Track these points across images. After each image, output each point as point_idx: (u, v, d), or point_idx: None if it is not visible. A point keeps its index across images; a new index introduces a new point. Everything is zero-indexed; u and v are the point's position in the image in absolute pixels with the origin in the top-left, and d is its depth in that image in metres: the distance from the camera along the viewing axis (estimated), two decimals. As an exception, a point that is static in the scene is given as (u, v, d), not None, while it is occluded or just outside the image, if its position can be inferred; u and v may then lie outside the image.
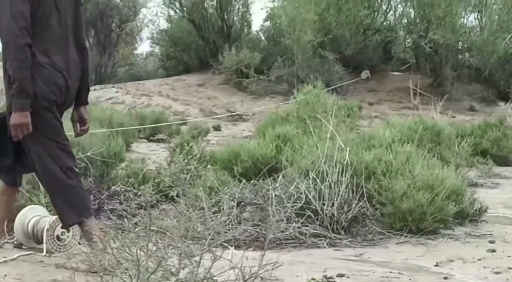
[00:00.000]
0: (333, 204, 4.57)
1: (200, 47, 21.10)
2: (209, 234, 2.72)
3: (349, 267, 3.78)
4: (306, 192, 4.61)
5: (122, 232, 2.70)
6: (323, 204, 4.56)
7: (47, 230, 3.81)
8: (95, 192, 4.92)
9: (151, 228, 2.68)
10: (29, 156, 3.65)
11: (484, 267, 3.84)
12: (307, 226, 4.46)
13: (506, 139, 9.32)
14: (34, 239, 3.94)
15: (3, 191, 3.92)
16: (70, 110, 3.85)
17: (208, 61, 20.23)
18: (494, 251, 4.22)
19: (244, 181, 4.98)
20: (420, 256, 4.14)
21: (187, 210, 2.75)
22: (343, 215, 4.55)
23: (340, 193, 4.61)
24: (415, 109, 14.78)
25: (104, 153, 5.30)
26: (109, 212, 4.75)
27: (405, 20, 19.36)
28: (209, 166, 5.62)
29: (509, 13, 17.52)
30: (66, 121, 3.80)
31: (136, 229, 2.69)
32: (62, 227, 3.77)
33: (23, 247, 3.96)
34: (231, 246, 3.89)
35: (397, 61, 18.79)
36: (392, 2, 19.48)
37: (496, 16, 18.02)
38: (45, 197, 4.28)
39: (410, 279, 3.56)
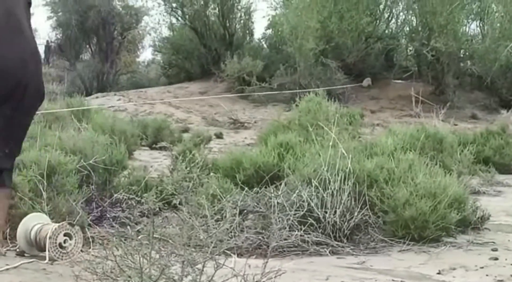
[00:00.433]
0: (335, 211, 4.57)
1: (202, 55, 21.13)
2: (212, 242, 2.72)
3: (352, 275, 3.78)
4: (309, 199, 4.60)
5: (125, 240, 2.70)
6: (326, 212, 4.56)
7: (50, 238, 3.81)
8: (97, 199, 4.92)
9: (154, 235, 2.68)
10: None
11: (487, 275, 3.83)
12: (309, 234, 4.45)
13: (508, 147, 9.32)
14: (36, 246, 3.94)
15: None
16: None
17: (210, 69, 20.25)
18: (496, 259, 4.21)
19: (246, 188, 4.97)
20: (423, 264, 4.13)
21: (190, 218, 2.76)
22: (346, 223, 4.55)
23: (343, 201, 4.60)
24: (417, 117, 14.74)
25: (106, 161, 5.30)
26: (111, 219, 4.75)
27: (407, 28, 19.37)
28: (211, 174, 5.62)
29: (511, 21, 17.52)
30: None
31: (139, 237, 2.69)
32: None
33: (26, 254, 3.96)
34: (234, 253, 3.88)
35: (399, 69, 18.78)
36: (394, 10, 19.53)
37: (498, 24, 18.04)
38: (47, 205, 4.28)
39: (412, 287, 3.57)
